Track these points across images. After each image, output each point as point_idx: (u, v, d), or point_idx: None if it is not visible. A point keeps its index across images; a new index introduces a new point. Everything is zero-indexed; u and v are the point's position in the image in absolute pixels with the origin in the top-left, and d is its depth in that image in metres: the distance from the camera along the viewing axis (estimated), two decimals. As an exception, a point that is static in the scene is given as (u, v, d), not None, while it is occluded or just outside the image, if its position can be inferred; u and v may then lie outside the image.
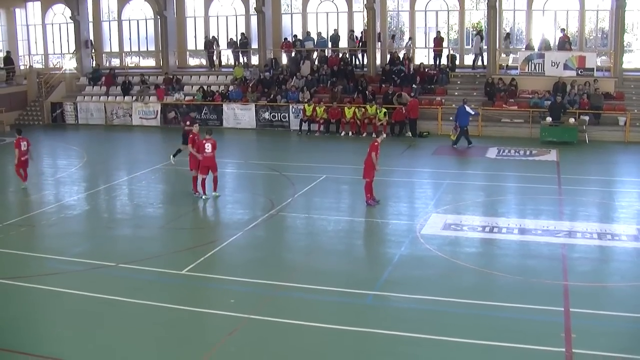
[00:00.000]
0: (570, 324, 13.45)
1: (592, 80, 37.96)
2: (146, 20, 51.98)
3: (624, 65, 40.32)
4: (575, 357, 12.13)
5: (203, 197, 23.74)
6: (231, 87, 43.48)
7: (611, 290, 15.66)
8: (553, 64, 39.08)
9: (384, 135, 23.23)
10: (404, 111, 37.36)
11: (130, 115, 44.11)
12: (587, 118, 36.01)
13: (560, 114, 35.56)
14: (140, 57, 54.01)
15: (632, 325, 13.61)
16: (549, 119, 35.21)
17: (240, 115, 41.15)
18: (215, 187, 24.46)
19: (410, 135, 37.27)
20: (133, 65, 52.27)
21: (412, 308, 14.61)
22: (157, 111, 43.42)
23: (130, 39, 52.88)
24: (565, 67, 38.78)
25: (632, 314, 14.06)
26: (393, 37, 46.38)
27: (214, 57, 48.61)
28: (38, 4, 54.62)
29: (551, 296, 14.95)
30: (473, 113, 34.76)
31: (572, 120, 35.29)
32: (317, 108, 38.61)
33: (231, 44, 47.90)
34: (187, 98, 43.76)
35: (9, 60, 50.32)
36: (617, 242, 18.88)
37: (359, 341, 13.06)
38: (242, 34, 47.78)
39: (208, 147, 23.93)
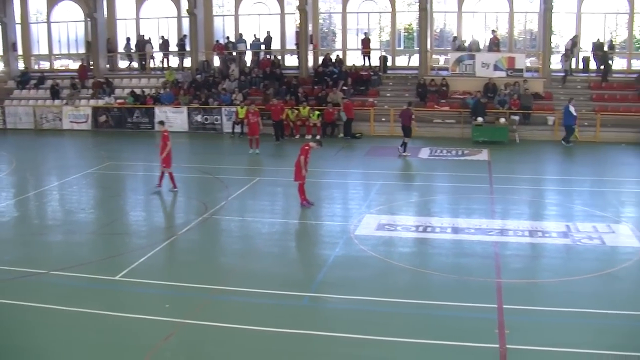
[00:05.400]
0: (503, 320, 13.59)
1: (521, 80, 38.63)
2: (76, 22, 51.10)
3: (552, 66, 41.12)
4: (509, 353, 12.26)
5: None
6: (162, 91, 43.03)
7: (543, 286, 15.93)
8: (483, 65, 39.70)
9: (319, 146, 23.15)
10: (331, 110, 37.51)
11: (61, 120, 43.32)
12: (517, 118, 36.63)
13: (484, 113, 36.13)
14: (71, 60, 53.02)
15: (564, 320, 13.80)
16: (480, 119, 35.69)
17: (172, 118, 40.62)
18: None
19: (343, 136, 37.43)
20: (63, 68, 51.36)
21: (348, 309, 14.60)
22: (88, 115, 42.73)
23: (59, 41, 51.97)
24: (496, 68, 39.45)
25: (563, 308, 14.27)
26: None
27: (146, 60, 48.07)
28: (-38, 6, 53.34)
29: (484, 293, 15.10)
30: (574, 114, 34.75)
31: (502, 120, 35.88)
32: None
33: (164, 44, 47.42)
34: (118, 101, 43.18)
35: None
36: (548, 239, 19.20)
37: (296, 343, 12.99)
38: (185, 35, 47.14)
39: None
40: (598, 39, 42.22)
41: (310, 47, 44.34)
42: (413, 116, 32.71)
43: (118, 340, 13.12)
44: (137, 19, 49.95)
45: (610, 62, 41.39)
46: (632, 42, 44.37)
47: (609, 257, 17.82)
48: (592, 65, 41.95)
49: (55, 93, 44.78)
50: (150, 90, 43.69)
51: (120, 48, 50.04)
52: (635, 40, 45.25)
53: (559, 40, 45.83)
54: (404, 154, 31.84)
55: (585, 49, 43.06)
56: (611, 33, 44.55)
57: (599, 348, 12.46)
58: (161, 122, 27.35)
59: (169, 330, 13.41)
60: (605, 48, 41.69)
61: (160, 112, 40.85)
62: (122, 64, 50.95)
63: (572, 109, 34.49)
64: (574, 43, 41.61)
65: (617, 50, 43.78)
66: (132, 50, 48.57)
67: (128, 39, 48.75)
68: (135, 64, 49.37)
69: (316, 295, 15.29)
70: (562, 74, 40.94)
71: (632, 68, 43.52)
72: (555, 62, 42.52)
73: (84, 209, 23.51)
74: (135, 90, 43.43)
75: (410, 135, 32.24)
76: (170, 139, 24.97)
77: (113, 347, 12.86)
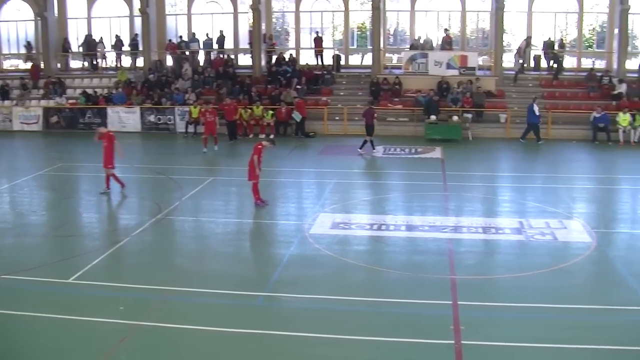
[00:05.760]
0: (458, 316, 13.68)
1: (474, 79, 38.97)
2: (26, 21, 50.23)
3: (504, 64, 41.54)
4: (465, 349, 12.33)
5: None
6: (114, 91, 42.54)
7: (497, 281, 16.05)
8: (436, 64, 39.98)
9: (272, 145, 23.20)
10: (283, 111, 37.45)
11: (11, 120, 42.54)
12: (470, 116, 36.93)
13: (438, 111, 36.40)
14: (21, 60, 52.02)
15: (518, 315, 13.94)
16: (433, 117, 35.92)
17: (125, 118, 40.23)
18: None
19: (299, 135, 37.36)
20: (12, 68, 50.52)
21: (304, 307, 14.58)
22: (39, 116, 42.07)
23: (9, 40, 51.07)
24: (448, 66, 39.75)
25: (517, 303, 14.44)
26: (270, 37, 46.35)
27: (98, 60, 47.51)
28: None
29: (439, 290, 15.17)
30: (537, 113, 35.27)
31: (455, 118, 36.15)
32: (201, 110, 38.05)
33: (118, 43, 46.93)
34: (69, 101, 42.59)
35: None
36: (501, 235, 19.38)
37: (252, 343, 12.92)
38: (137, 34, 46.75)
39: None
40: (549, 38, 42.83)
41: (264, 46, 44.23)
42: (375, 114, 32.77)
43: (72, 344, 12.92)
44: (89, 18, 49.30)
45: (561, 59, 42.02)
46: (581, 41, 45.04)
47: (561, 253, 18.07)
48: (544, 63, 42.57)
49: (4, 93, 44.00)
50: (102, 90, 43.18)
51: (74, 47, 49.29)
52: (584, 39, 45.93)
53: (511, 39, 46.35)
54: (359, 150, 31.99)
55: (537, 47, 43.57)
56: (561, 32, 45.20)
57: (552, 342, 12.63)
58: (100, 124, 27.00)
59: (124, 332, 13.24)
60: (556, 47, 42.31)
61: (113, 112, 40.43)
62: (75, 63, 50.19)
63: (535, 108, 34.94)
64: (528, 43, 42.23)
65: (567, 49, 44.37)
66: (88, 50, 47.95)
67: (101, 39, 48.11)
68: (86, 64, 48.72)
69: (271, 295, 15.24)
70: (514, 72, 41.40)
71: (582, 66, 44.21)
72: (508, 61, 42.93)
73: (36, 212, 23.10)
74: (87, 90, 42.88)
75: (372, 134, 32.28)
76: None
77: (67, 352, 12.66)
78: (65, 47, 48.05)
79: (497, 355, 12.37)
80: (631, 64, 42.29)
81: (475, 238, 19.25)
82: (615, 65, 41.06)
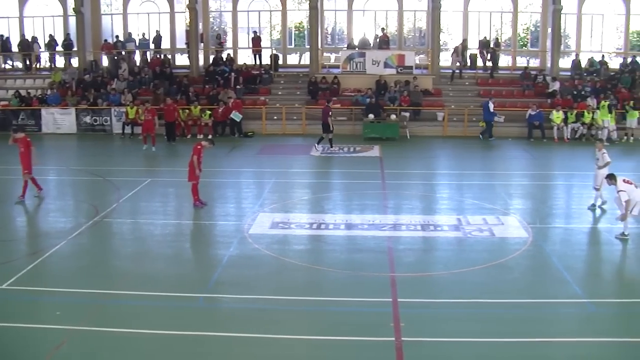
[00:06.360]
0: (398, 313, 13.75)
1: (411, 77, 39.29)
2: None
3: (441, 63, 41.97)
4: (405, 345, 12.39)
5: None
6: (49, 91, 41.79)
7: (436, 278, 16.20)
8: (374, 63, 40.24)
9: (211, 145, 23.04)
10: (220, 111, 37.25)
11: (-61, 124, 41.49)
12: (407, 114, 37.21)
13: (380, 112, 36.64)
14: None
15: (457, 310, 14.08)
16: (371, 115, 36.10)
17: (60, 120, 39.55)
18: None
19: (237, 135, 37.18)
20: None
21: (244, 308, 14.52)
22: (-31, 118, 41.08)
23: None
24: (386, 65, 40.03)
25: (456, 299, 14.59)
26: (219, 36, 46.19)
27: (32, 59, 46.63)
28: None
29: (379, 288, 15.24)
30: (491, 110, 35.84)
31: (393, 116, 36.39)
32: (139, 110, 37.65)
33: (51, 43, 46.14)
34: (1, 103, 41.66)
35: None
36: (440, 233, 19.56)
37: (193, 345, 12.79)
38: (68, 34, 46.04)
39: None
40: (484, 37, 43.44)
41: (201, 45, 44.03)
42: (330, 113, 32.78)
43: (7, 352, 12.60)
44: (21, 18, 48.39)
45: (496, 58, 42.71)
46: (516, 39, 45.79)
47: (498, 248, 18.29)
48: (480, 62, 43.20)
49: None
50: (36, 91, 42.40)
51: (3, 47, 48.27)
52: (519, 38, 46.71)
53: (447, 38, 46.90)
54: (329, 148, 32.50)
55: (472, 46, 44.11)
56: (497, 31, 45.91)
57: (491, 336, 12.82)
58: (15, 129, 26.24)
59: (60, 338, 12.98)
60: (492, 45, 42.95)
61: (47, 114, 39.72)
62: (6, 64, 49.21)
63: (491, 105, 35.47)
64: (464, 47, 42.85)
65: (502, 48, 45.06)
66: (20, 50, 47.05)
67: (35, 38, 47.10)
68: (19, 64, 47.78)
69: (211, 296, 15.13)
70: (451, 71, 41.87)
71: (517, 65, 44.97)
72: (444, 59, 43.40)
73: (-35, 217, 22.57)
74: (20, 91, 42.01)
75: (327, 131, 32.54)
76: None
77: None
78: (8, 46, 47.10)
79: (437, 351, 12.48)
80: (564, 63, 43.26)
81: (414, 235, 19.39)
82: (548, 64, 41.94)
